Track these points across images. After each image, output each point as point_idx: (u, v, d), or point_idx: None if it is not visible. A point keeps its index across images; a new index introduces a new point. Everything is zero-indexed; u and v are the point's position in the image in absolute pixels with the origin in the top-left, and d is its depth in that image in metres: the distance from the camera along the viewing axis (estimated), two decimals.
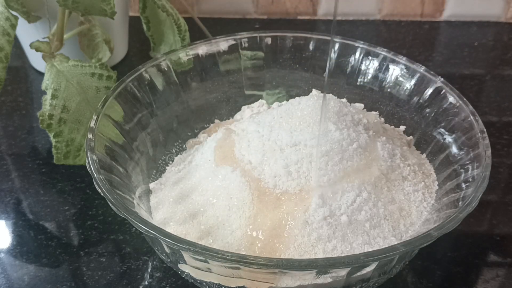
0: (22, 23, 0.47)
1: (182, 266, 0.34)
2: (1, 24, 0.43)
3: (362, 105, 0.46)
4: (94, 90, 0.44)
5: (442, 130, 0.41)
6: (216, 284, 0.33)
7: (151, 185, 0.40)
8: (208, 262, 0.31)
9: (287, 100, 0.44)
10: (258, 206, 0.35)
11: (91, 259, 0.40)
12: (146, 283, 0.39)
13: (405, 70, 0.44)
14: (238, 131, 0.41)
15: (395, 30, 0.68)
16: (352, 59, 0.46)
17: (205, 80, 0.47)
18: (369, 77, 0.46)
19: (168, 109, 0.45)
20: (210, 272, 0.32)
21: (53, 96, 0.42)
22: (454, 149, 0.39)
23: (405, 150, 0.41)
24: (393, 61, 0.45)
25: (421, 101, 0.43)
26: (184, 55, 0.45)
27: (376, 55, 0.45)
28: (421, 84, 0.43)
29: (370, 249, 0.34)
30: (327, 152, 0.36)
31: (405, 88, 0.44)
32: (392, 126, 0.45)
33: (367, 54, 0.46)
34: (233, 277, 0.32)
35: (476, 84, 0.59)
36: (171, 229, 0.36)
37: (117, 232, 0.42)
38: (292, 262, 0.29)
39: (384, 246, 0.33)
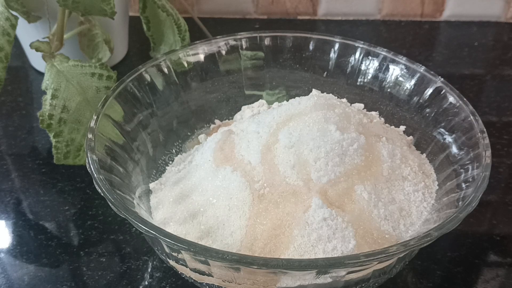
0: (22, 23, 0.47)
1: (182, 269, 0.34)
2: (1, 24, 0.43)
3: (362, 105, 0.46)
4: (94, 90, 0.44)
5: (442, 130, 0.41)
6: (217, 285, 0.33)
7: (151, 185, 0.40)
8: (208, 264, 0.31)
9: (287, 100, 0.44)
10: (258, 206, 0.35)
11: (91, 259, 0.40)
12: (146, 283, 0.39)
13: (405, 70, 0.44)
14: (237, 131, 0.41)
15: (395, 30, 0.68)
16: (352, 59, 0.46)
17: (205, 80, 0.47)
18: (369, 77, 0.46)
19: (168, 109, 0.45)
20: (211, 277, 0.32)
21: (53, 96, 0.42)
22: (454, 149, 0.39)
23: (405, 150, 0.41)
24: (393, 61, 0.45)
25: (421, 101, 0.43)
26: (184, 55, 0.45)
27: (376, 55, 0.45)
28: (421, 84, 0.43)
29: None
30: (327, 153, 0.36)
31: (405, 88, 0.44)
32: (392, 126, 0.45)
33: (367, 54, 0.46)
34: (235, 283, 0.32)
35: (476, 84, 0.59)
36: (171, 229, 0.36)
37: (117, 232, 0.42)
38: (292, 262, 0.29)
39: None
